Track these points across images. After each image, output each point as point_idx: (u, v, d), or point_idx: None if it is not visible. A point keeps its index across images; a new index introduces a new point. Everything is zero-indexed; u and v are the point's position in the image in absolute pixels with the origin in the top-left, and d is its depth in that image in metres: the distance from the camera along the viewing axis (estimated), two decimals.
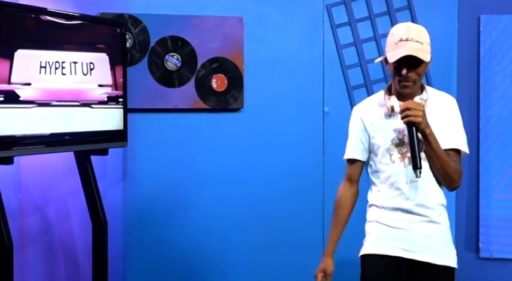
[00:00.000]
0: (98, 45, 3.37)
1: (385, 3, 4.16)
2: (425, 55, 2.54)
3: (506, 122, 4.23)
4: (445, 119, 2.64)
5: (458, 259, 4.20)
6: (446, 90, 4.20)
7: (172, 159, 3.92)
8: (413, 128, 2.52)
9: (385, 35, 4.14)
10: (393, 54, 2.54)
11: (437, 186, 2.66)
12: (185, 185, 3.95)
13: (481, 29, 4.25)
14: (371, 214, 2.75)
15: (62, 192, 3.65)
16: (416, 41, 2.53)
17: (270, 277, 4.02)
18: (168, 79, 3.85)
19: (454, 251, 2.74)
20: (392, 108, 2.61)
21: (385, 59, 2.63)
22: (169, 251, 3.93)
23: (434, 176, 2.63)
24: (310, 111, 4.05)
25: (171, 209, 3.93)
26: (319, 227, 4.05)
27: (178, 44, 3.86)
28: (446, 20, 4.21)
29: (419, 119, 2.49)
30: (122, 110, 3.52)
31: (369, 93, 4.15)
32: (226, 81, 3.93)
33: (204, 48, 3.89)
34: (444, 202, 2.71)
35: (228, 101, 3.94)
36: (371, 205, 2.75)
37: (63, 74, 3.16)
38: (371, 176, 2.76)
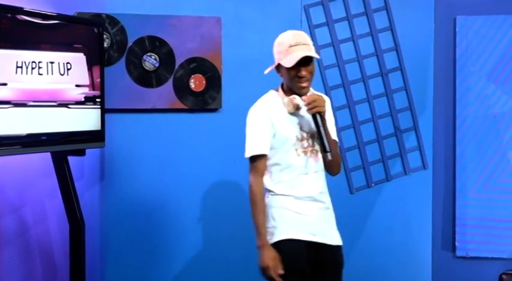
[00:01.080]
0: (75, 45, 3.35)
1: (363, 3, 4.19)
2: (315, 53, 2.87)
3: (482, 122, 4.27)
4: (327, 114, 2.96)
5: (435, 258, 4.29)
6: (423, 90, 4.29)
7: (150, 159, 3.91)
8: (319, 117, 2.85)
9: (363, 36, 4.23)
10: (290, 59, 2.82)
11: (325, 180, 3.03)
12: (163, 185, 3.94)
13: (457, 29, 4.29)
14: (279, 201, 2.94)
15: (39, 193, 3.62)
16: (303, 44, 2.85)
17: (249, 276, 4.02)
18: (146, 79, 3.84)
19: (338, 232, 3.03)
20: (298, 107, 2.89)
21: (276, 68, 2.93)
22: (146, 252, 3.92)
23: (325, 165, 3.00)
24: None
25: (149, 210, 3.92)
26: None
27: (156, 44, 3.85)
28: (423, 21, 4.25)
29: (324, 109, 2.86)
30: (99, 110, 3.50)
31: (347, 93, 4.18)
32: (204, 82, 3.93)
33: (182, 49, 3.89)
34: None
35: (206, 101, 3.94)
36: (277, 194, 2.95)
37: (40, 74, 3.13)
38: (272, 168, 2.96)
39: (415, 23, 4.25)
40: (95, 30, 3.49)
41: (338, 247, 3.00)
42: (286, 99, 2.92)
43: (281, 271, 2.84)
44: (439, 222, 4.34)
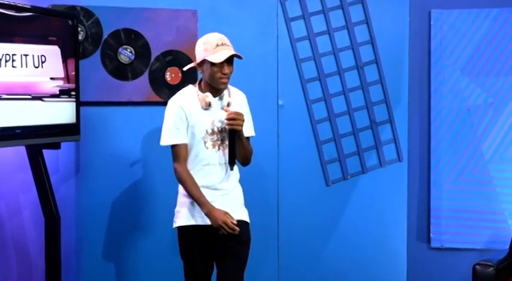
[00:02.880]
0: (50, 38, 3.33)
1: None
2: (238, 53, 3.12)
3: (456, 115, 4.31)
4: (243, 111, 3.18)
5: (410, 249, 4.32)
6: (398, 83, 4.31)
7: (125, 152, 3.89)
8: (234, 131, 3.10)
9: (339, 29, 4.24)
10: (218, 56, 3.05)
11: (236, 167, 3.22)
12: (139, 178, 3.93)
13: (431, 23, 4.32)
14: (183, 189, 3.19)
15: (14, 187, 3.60)
16: (228, 45, 3.12)
17: None
18: (121, 72, 3.82)
19: (246, 211, 3.27)
20: (210, 104, 3.11)
21: (198, 64, 3.14)
22: (122, 246, 3.91)
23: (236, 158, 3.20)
24: (264, 105, 4.06)
25: (124, 204, 3.91)
26: (274, 214, 4.12)
27: (132, 37, 3.83)
28: (398, 14, 4.27)
29: (241, 128, 3.10)
30: (74, 103, 3.48)
31: (323, 86, 4.19)
32: (180, 75, 3.92)
33: (157, 41, 3.87)
34: (238, 177, 3.29)
35: None
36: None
37: (14, 66, 3.10)
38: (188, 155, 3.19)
39: (390, 16, 4.27)
40: (70, 22, 3.47)
41: (243, 222, 3.18)
42: (200, 96, 3.14)
43: (234, 221, 3.08)
44: (414, 214, 4.38)
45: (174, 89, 3.90)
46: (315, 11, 4.17)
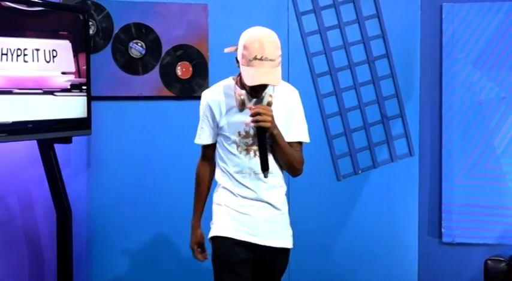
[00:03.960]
0: (61, 32, 3.33)
1: None
2: (277, 77, 2.65)
3: (468, 109, 4.29)
4: (289, 111, 2.82)
5: (421, 244, 4.31)
6: (409, 78, 4.29)
7: (136, 147, 3.90)
8: (263, 130, 2.69)
9: (350, 23, 4.22)
10: (249, 77, 2.63)
11: (280, 176, 2.86)
12: (149, 173, 3.94)
13: (443, 17, 4.30)
14: (221, 196, 2.86)
15: (26, 181, 3.61)
16: (270, 60, 2.62)
17: None
18: (132, 66, 3.82)
19: (291, 233, 2.92)
20: (243, 103, 2.73)
21: (237, 60, 2.74)
22: (133, 240, 3.92)
23: (279, 166, 2.84)
24: None
25: (136, 198, 3.92)
26: None
27: (143, 31, 3.83)
28: (409, 8, 4.25)
29: (269, 124, 2.66)
30: (85, 97, 3.49)
31: (334, 80, 4.18)
32: (191, 69, 3.92)
33: (168, 36, 3.87)
34: (285, 189, 2.90)
35: (192, 88, 3.93)
36: (223, 187, 2.86)
37: (25, 61, 3.11)
38: (218, 160, 2.88)
39: (401, 10, 4.25)
40: (81, 17, 3.47)
41: (281, 250, 2.85)
42: (237, 92, 2.77)
43: (200, 257, 2.95)
44: (425, 208, 4.37)
45: (185, 83, 3.91)
46: (326, 5, 4.16)
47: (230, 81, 2.86)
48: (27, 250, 3.66)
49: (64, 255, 3.45)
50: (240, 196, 2.80)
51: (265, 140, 2.72)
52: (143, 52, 3.84)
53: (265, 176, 2.78)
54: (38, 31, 3.18)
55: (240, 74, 2.77)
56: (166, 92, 3.89)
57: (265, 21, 4.06)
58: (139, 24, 3.82)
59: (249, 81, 2.64)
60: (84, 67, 3.47)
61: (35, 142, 3.38)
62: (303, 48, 4.12)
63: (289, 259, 2.92)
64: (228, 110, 2.80)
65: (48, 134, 3.28)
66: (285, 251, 2.88)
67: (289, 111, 2.81)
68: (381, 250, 4.27)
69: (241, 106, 2.75)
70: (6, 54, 3.01)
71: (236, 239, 2.77)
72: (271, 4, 4.06)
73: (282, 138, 2.74)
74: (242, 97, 2.73)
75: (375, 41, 4.23)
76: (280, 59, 2.68)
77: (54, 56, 3.27)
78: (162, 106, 3.91)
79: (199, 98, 3.92)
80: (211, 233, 2.84)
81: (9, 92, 3.02)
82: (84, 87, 3.47)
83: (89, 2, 3.72)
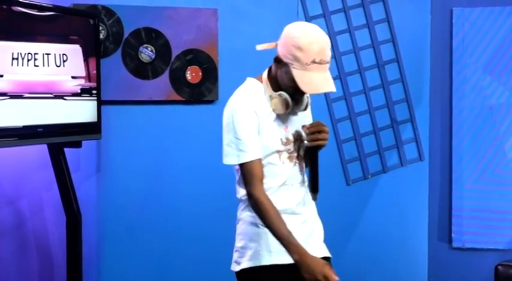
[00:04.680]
0: (71, 37, 3.34)
1: None
2: (332, 83, 2.39)
3: (478, 114, 4.28)
4: (308, 114, 2.62)
5: (431, 249, 4.29)
6: (419, 82, 4.28)
7: (146, 151, 3.90)
8: (317, 149, 2.47)
9: (359, 27, 4.21)
10: (307, 83, 2.34)
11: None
12: (159, 177, 3.93)
13: (453, 21, 4.29)
14: (254, 216, 2.49)
15: (35, 185, 3.61)
16: (327, 63, 2.37)
17: None
18: (142, 71, 3.83)
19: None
20: (288, 105, 2.44)
21: (278, 60, 2.44)
22: (143, 244, 3.92)
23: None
24: None
25: (145, 202, 3.92)
26: None
27: (152, 36, 3.84)
28: (420, 13, 4.25)
29: (326, 142, 2.46)
30: (95, 102, 3.49)
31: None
32: (200, 73, 3.92)
33: (178, 40, 3.88)
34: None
35: (202, 93, 3.93)
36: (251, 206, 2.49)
37: (36, 65, 3.12)
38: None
39: (411, 14, 4.25)
40: (91, 21, 3.48)
41: (327, 259, 2.55)
42: (274, 96, 2.46)
43: (336, 278, 2.32)
44: (436, 213, 4.35)
45: (195, 87, 3.91)
46: (336, 9, 4.15)
47: (256, 85, 2.54)
48: (37, 253, 3.66)
49: (74, 259, 3.45)
50: (281, 211, 2.43)
51: (318, 158, 2.48)
52: (153, 56, 3.85)
53: (314, 199, 2.54)
54: (48, 36, 3.19)
55: (272, 76, 2.50)
56: (176, 97, 3.89)
57: (274, 25, 4.06)
58: (149, 28, 3.83)
59: (308, 89, 2.36)
60: (94, 71, 3.48)
61: (45, 146, 3.39)
62: None
63: None
64: (267, 117, 2.47)
65: (58, 138, 3.29)
66: (330, 261, 2.56)
67: (306, 113, 2.62)
68: (390, 255, 4.26)
69: (286, 109, 2.44)
70: (17, 58, 3.02)
71: (287, 264, 2.41)
72: (281, 8, 4.06)
73: None
74: (288, 101, 2.42)
75: (384, 46, 4.23)
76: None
77: (64, 61, 3.28)
78: (172, 110, 3.92)
79: (208, 102, 3.96)
80: (253, 262, 2.48)
81: (20, 97, 3.03)
82: (94, 91, 3.48)
83: (100, 7, 3.73)
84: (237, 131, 2.44)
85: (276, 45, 2.46)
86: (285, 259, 2.41)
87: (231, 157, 2.49)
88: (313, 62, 2.33)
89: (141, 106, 3.86)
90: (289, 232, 2.37)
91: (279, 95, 2.44)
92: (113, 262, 3.87)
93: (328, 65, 2.38)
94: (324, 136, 2.43)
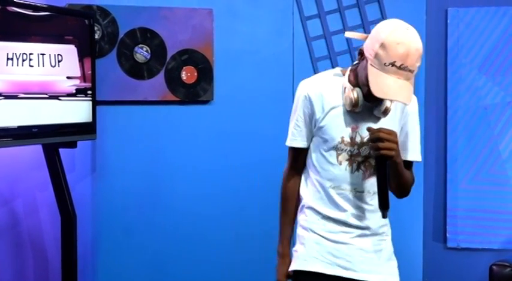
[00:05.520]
0: (66, 37, 3.34)
1: None
2: (410, 94, 2.19)
3: (473, 114, 4.28)
4: (407, 123, 2.40)
5: (426, 249, 4.30)
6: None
7: (141, 151, 3.90)
8: (384, 159, 2.22)
9: (355, 28, 4.21)
10: (378, 85, 2.14)
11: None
12: (155, 177, 3.93)
13: (448, 21, 4.29)
14: (306, 218, 2.41)
15: (30, 185, 3.61)
16: (409, 71, 2.17)
17: (243, 271, 4.03)
18: (137, 71, 3.83)
19: (396, 264, 2.51)
20: (356, 103, 2.26)
21: (361, 53, 2.27)
22: (138, 244, 3.91)
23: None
24: (279, 104, 4.05)
25: (141, 202, 3.92)
26: None
27: (148, 36, 3.84)
28: (414, 13, 4.24)
29: (393, 153, 2.20)
30: (90, 102, 3.49)
31: None
32: (196, 73, 3.92)
33: (173, 40, 3.87)
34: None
35: (198, 93, 3.93)
36: (308, 207, 2.40)
37: (31, 66, 3.11)
38: (309, 170, 2.40)
39: (406, 14, 4.22)
40: (86, 21, 3.48)
41: None
42: (348, 88, 2.27)
43: None
44: (430, 213, 4.36)
45: (190, 88, 3.91)
46: (331, 9, 4.15)
47: (337, 73, 2.36)
48: (32, 254, 3.66)
49: (69, 260, 3.44)
50: (331, 218, 2.32)
51: (386, 169, 2.23)
52: (148, 57, 3.85)
53: (384, 216, 2.32)
54: (43, 36, 3.19)
55: (354, 69, 2.32)
56: (171, 97, 3.89)
57: (270, 25, 4.08)
58: (144, 29, 3.83)
59: (378, 92, 2.14)
60: (90, 72, 3.48)
61: (40, 146, 3.38)
62: (308, 53, 4.12)
63: None
64: (332, 108, 2.30)
65: (53, 138, 3.28)
66: None
67: (406, 123, 2.39)
68: None
69: (353, 107, 2.25)
70: (12, 58, 3.02)
71: (326, 274, 2.32)
72: (276, 9, 4.06)
73: (402, 166, 2.28)
74: (354, 95, 2.24)
75: None
76: (416, 72, 2.22)
77: (59, 61, 3.28)
78: (167, 111, 3.91)
79: (204, 102, 3.96)
80: (295, 266, 2.39)
81: (15, 97, 3.02)
82: (89, 91, 3.47)
83: (94, 7, 3.72)
84: (292, 114, 2.42)
85: (366, 38, 2.27)
86: (329, 269, 2.33)
87: (288, 139, 2.43)
88: (393, 64, 2.14)
89: (136, 106, 3.86)
90: (287, 227, 2.40)
91: (352, 89, 2.26)
92: (108, 263, 3.87)
93: (410, 75, 2.17)
94: (387, 145, 2.17)
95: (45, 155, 3.41)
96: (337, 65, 4.16)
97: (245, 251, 4.02)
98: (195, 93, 3.93)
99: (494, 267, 3.78)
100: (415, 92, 4.23)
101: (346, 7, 4.17)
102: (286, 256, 2.46)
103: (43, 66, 3.18)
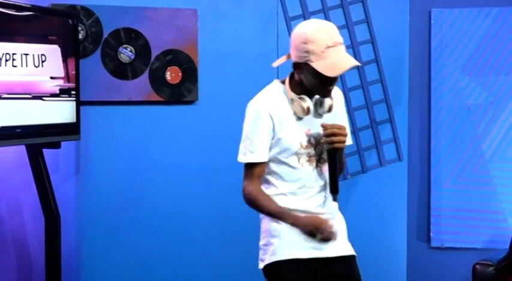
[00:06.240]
0: (50, 37, 3.32)
1: None
2: (354, 59, 2.41)
3: (457, 114, 4.31)
4: (338, 114, 2.59)
5: (410, 248, 4.32)
6: (398, 83, 4.31)
7: (126, 152, 3.89)
8: (335, 150, 2.45)
9: (339, 28, 4.16)
10: (330, 67, 2.35)
11: None
12: (139, 178, 3.92)
13: (431, 22, 4.32)
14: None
15: (14, 186, 3.59)
16: (340, 44, 2.39)
17: (228, 270, 4.03)
18: (121, 71, 3.82)
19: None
20: (309, 110, 2.46)
21: (295, 64, 2.46)
22: (122, 245, 3.90)
23: None
24: None
25: (125, 203, 3.91)
26: None
27: (132, 36, 3.83)
28: (398, 13, 4.27)
29: (344, 145, 2.46)
30: (74, 102, 3.48)
31: None
32: (180, 74, 3.92)
33: (158, 40, 3.87)
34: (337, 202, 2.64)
35: (182, 93, 3.93)
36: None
37: (14, 66, 3.10)
38: (270, 177, 2.56)
39: (390, 15, 4.27)
40: (70, 21, 3.46)
41: (351, 257, 2.64)
42: (295, 99, 2.48)
43: (332, 225, 2.42)
44: (414, 213, 4.38)
45: (174, 88, 3.91)
46: (315, 10, 4.17)
47: (278, 87, 2.56)
48: (15, 255, 3.64)
49: (53, 261, 3.43)
50: (299, 210, 2.50)
51: (336, 159, 2.47)
52: (132, 57, 3.84)
53: (335, 199, 2.53)
54: (26, 36, 3.17)
55: (292, 77, 2.52)
56: (155, 97, 3.88)
57: (254, 25, 4.09)
58: (128, 29, 3.82)
59: (333, 72, 2.34)
60: (73, 72, 3.47)
61: (24, 146, 3.37)
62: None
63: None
64: (286, 119, 2.49)
65: (36, 139, 3.27)
66: (355, 259, 2.66)
67: (338, 114, 2.59)
68: (369, 255, 4.26)
69: (305, 114, 2.47)
70: None
71: (303, 259, 2.49)
72: (260, 9, 4.07)
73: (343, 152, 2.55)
74: (306, 104, 2.45)
75: (364, 46, 4.25)
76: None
77: (43, 61, 3.26)
78: (152, 111, 3.91)
79: (188, 103, 3.96)
80: (274, 258, 2.51)
81: None
82: (73, 92, 3.46)
83: (78, 7, 3.71)
84: (249, 132, 2.52)
85: (289, 56, 2.49)
86: (305, 253, 2.50)
87: (240, 155, 2.55)
88: (327, 47, 2.35)
89: (120, 107, 3.85)
90: (280, 207, 2.47)
91: (300, 98, 2.47)
92: (92, 263, 3.86)
93: (343, 46, 2.39)
94: (340, 139, 2.42)
95: (28, 156, 3.39)
96: None
97: (229, 251, 4.02)
98: (180, 94, 3.92)
99: (477, 266, 3.80)
100: (399, 94, 4.29)
101: (330, 7, 4.18)
102: (298, 216, 2.49)
103: (26, 66, 3.16)
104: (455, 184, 4.33)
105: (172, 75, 3.90)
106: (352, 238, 4.22)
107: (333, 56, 2.36)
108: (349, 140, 2.57)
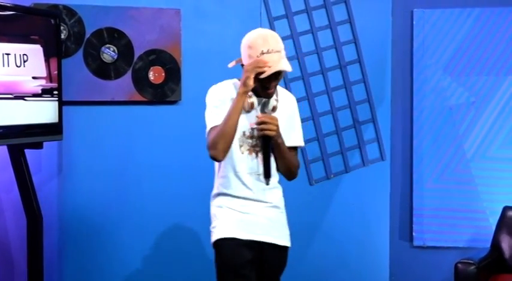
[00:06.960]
0: (32, 37, 3.30)
1: None
2: (288, 64, 2.70)
3: (438, 114, 4.34)
4: (289, 117, 2.86)
5: (392, 247, 4.35)
6: (381, 83, 4.33)
7: (109, 152, 3.88)
8: (268, 138, 2.73)
9: (322, 28, 4.25)
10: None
11: (277, 177, 2.88)
12: (122, 178, 3.91)
13: (414, 22, 4.35)
14: (219, 200, 2.84)
15: None
16: (276, 51, 2.67)
17: (211, 269, 4.02)
18: (104, 71, 3.80)
19: (288, 232, 2.95)
20: (252, 106, 2.74)
21: (242, 65, 2.75)
22: (105, 245, 3.89)
23: (277, 168, 2.85)
24: None
25: (108, 203, 3.89)
26: None
27: (115, 36, 3.81)
28: (381, 14, 4.29)
29: (273, 133, 2.71)
30: (56, 102, 3.46)
31: (306, 85, 4.20)
32: (163, 74, 3.91)
33: (141, 40, 3.86)
34: (281, 189, 2.91)
35: (165, 93, 3.92)
36: (219, 193, 2.84)
37: None
38: (216, 164, 2.86)
39: (373, 16, 4.29)
40: (52, 21, 3.44)
41: (284, 248, 2.90)
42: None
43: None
44: (397, 212, 4.41)
45: (157, 88, 3.90)
46: (298, 10, 4.18)
47: (234, 82, 2.83)
48: None
49: (35, 261, 3.41)
50: (241, 197, 2.79)
51: (269, 147, 2.77)
52: (115, 57, 3.82)
53: (267, 183, 2.80)
54: (8, 35, 3.15)
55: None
56: (138, 97, 3.87)
57: (237, 26, 4.08)
58: (111, 28, 3.80)
59: (263, 74, 2.64)
60: (56, 72, 3.45)
61: (5, 147, 3.34)
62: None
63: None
64: None
65: (18, 139, 3.25)
66: (286, 250, 2.92)
67: (289, 117, 2.86)
68: (352, 254, 4.29)
69: (250, 108, 2.75)
70: None
71: (241, 240, 2.76)
72: (243, 9, 4.07)
73: (285, 146, 2.79)
74: (250, 100, 2.73)
75: (346, 47, 4.27)
76: (284, 52, 2.73)
77: (25, 61, 3.24)
78: (135, 111, 3.90)
79: (171, 103, 3.95)
80: (216, 236, 2.80)
81: None
82: (55, 92, 3.44)
83: (61, 7, 3.69)
84: (211, 105, 2.79)
85: (240, 60, 2.81)
86: (242, 234, 2.77)
87: (208, 125, 2.77)
88: (262, 53, 2.66)
89: (103, 107, 3.84)
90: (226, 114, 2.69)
91: (248, 96, 2.72)
92: (75, 264, 3.84)
93: (279, 54, 2.67)
94: (269, 127, 2.69)
95: (10, 156, 3.37)
96: (305, 66, 4.19)
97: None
98: (163, 94, 3.91)
99: (459, 265, 3.83)
100: (381, 94, 4.31)
101: (313, 8, 4.19)
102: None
103: (8, 66, 3.14)
104: (437, 183, 4.36)
105: (155, 75, 3.90)
106: (335, 238, 4.27)
107: (265, 60, 2.64)
108: (299, 141, 2.90)
